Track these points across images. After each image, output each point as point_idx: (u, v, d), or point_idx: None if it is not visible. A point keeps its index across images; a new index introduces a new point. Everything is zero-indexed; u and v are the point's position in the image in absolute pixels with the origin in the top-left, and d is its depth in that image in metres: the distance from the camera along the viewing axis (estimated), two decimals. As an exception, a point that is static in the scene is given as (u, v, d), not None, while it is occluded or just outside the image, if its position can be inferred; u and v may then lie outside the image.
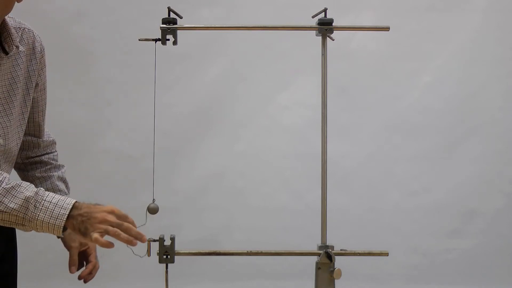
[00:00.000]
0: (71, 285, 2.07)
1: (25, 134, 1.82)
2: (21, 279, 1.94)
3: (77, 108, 3.89)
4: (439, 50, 3.96)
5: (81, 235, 1.47)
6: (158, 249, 1.65)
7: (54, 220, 1.46)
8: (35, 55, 1.76)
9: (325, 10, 1.75)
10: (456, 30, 3.95)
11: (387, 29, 1.77)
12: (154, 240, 1.64)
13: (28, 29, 1.75)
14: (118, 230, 1.45)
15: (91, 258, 1.94)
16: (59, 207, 1.47)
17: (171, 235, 1.67)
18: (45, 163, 1.92)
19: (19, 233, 1.91)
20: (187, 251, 1.70)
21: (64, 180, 1.94)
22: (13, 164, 1.79)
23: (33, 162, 1.91)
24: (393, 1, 3.94)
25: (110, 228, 1.45)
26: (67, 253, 1.93)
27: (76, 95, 3.88)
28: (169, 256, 1.65)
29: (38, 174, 1.90)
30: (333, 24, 1.73)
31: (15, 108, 1.70)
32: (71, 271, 1.89)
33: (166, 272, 1.67)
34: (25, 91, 1.74)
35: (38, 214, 1.46)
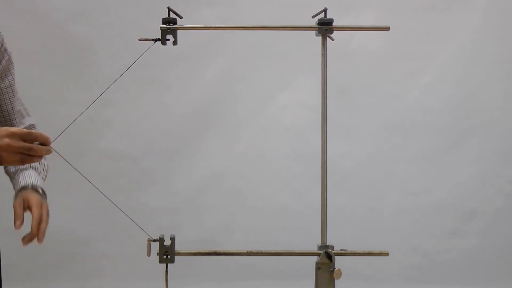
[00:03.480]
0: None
1: None
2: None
3: (77, 108, 3.88)
4: (439, 50, 3.96)
5: None
6: (158, 249, 1.65)
7: None
8: None
9: (325, 10, 1.75)
10: (456, 30, 3.95)
11: (387, 29, 1.77)
12: (154, 240, 1.64)
13: None
14: (32, 157, 1.42)
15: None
16: None
17: (171, 235, 1.67)
18: None
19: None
20: (187, 251, 1.70)
21: (35, 169, 1.85)
22: None
23: None
24: (393, 1, 3.94)
25: (24, 157, 1.41)
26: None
27: (76, 95, 3.88)
28: (169, 256, 1.65)
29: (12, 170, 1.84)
30: (333, 24, 1.73)
31: None
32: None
33: (166, 272, 1.66)
34: None
35: None
